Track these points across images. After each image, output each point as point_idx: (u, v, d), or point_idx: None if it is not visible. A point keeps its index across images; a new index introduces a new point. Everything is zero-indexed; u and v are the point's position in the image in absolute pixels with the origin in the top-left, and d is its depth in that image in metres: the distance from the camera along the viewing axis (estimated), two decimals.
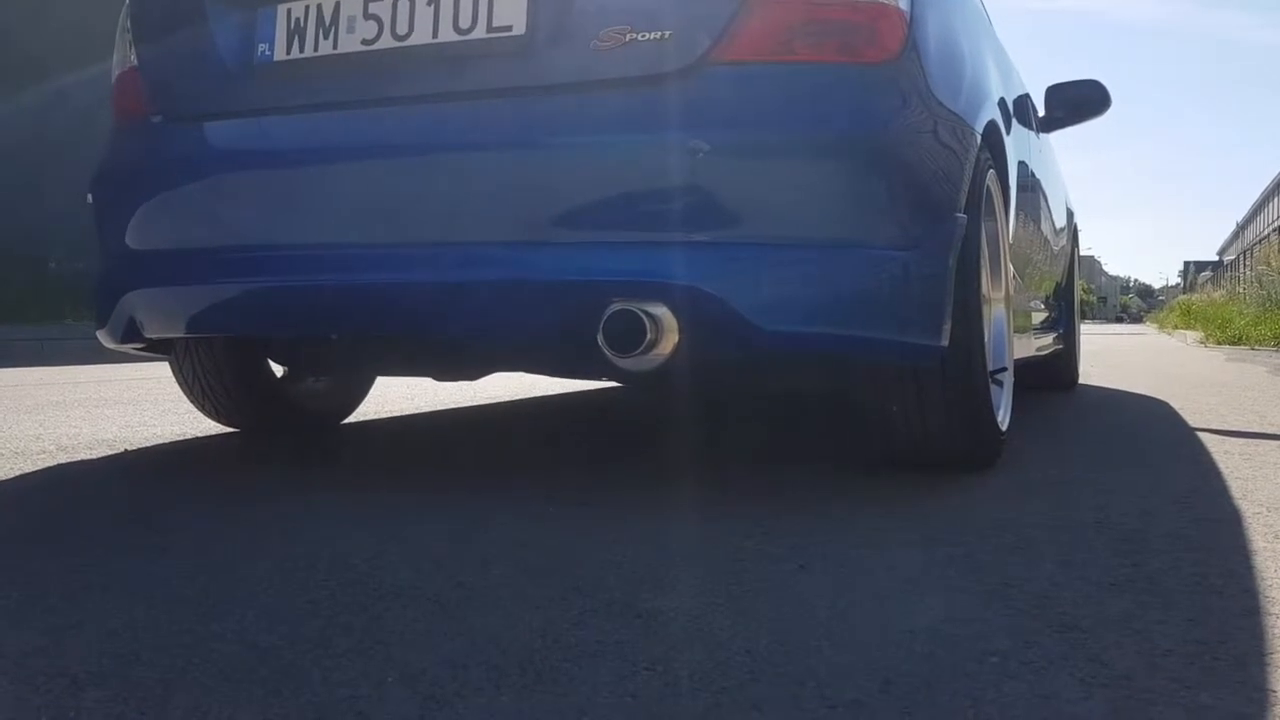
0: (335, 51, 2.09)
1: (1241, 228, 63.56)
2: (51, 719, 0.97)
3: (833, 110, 1.89)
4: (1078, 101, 3.95)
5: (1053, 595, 1.38)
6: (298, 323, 2.25)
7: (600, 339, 1.81)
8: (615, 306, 1.80)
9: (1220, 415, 3.75)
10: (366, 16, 2.06)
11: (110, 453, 2.61)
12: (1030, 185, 3.38)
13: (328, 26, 2.09)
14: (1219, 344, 12.50)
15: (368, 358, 2.75)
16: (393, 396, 3.86)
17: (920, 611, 1.32)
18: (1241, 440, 3.02)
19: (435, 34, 2.00)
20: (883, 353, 1.97)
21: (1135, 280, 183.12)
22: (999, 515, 1.91)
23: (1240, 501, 2.06)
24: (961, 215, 2.08)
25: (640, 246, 1.87)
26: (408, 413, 3.61)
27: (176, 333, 2.37)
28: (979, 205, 2.25)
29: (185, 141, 2.26)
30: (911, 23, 1.98)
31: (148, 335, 2.30)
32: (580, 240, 1.90)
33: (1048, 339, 4.03)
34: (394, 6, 2.03)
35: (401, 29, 2.03)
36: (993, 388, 2.35)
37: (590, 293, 1.84)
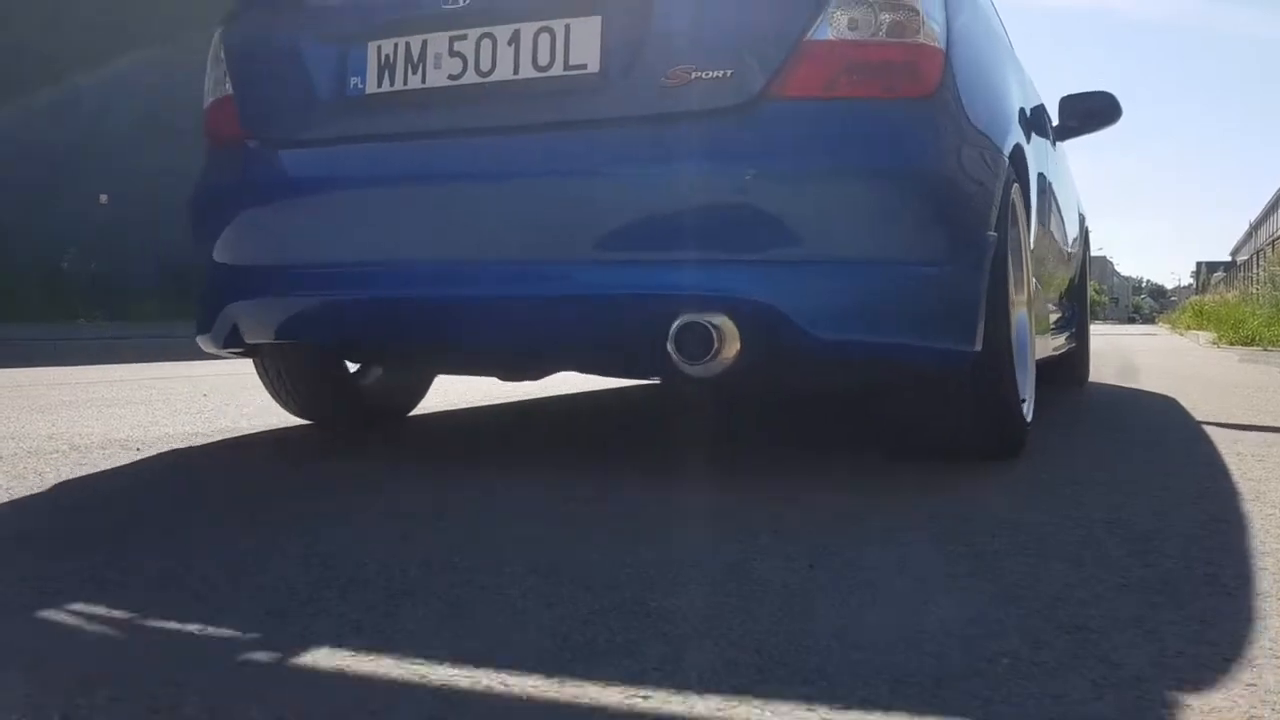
0: (423, 86, 2.26)
1: (1255, 228, 63.25)
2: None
3: (878, 141, 2.07)
4: (1090, 112, 4.15)
5: (1064, 595, 1.38)
6: (388, 333, 2.48)
7: (671, 348, 1.97)
8: (684, 319, 1.97)
9: (1232, 416, 3.74)
10: (452, 54, 2.24)
11: (124, 451, 2.62)
12: (1047, 193, 3.51)
13: (416, 63, 2.27)
14: (1232, 345, 12.44)
15: (443, 359, 2.93)
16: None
17: (931, 611, 1.31)
18: (1254, 442, 3.01)
19: (516, 71, 2.19)
20: (923, 357, 2.14)
21: (1148, 281, 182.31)
22: (1010, 514, 1.91)
23: (1252, 503, 2.05)
24: (993, 234, 2.26)
25: (704, 264, 2.04)
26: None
27: (274, 339, 2.54)
28: (1007, 221, 2.43)
29: (282, 165, 2.48)
30: (947, 58, 2.14)
31: (248, 341, 2.51)
32: (649, 259, 2.08)
33: (1061, 339, 4.14)
34: (477, 45, 2.21)
35: (485, 66, 2.21)
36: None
37: (659, 306, 2.01)
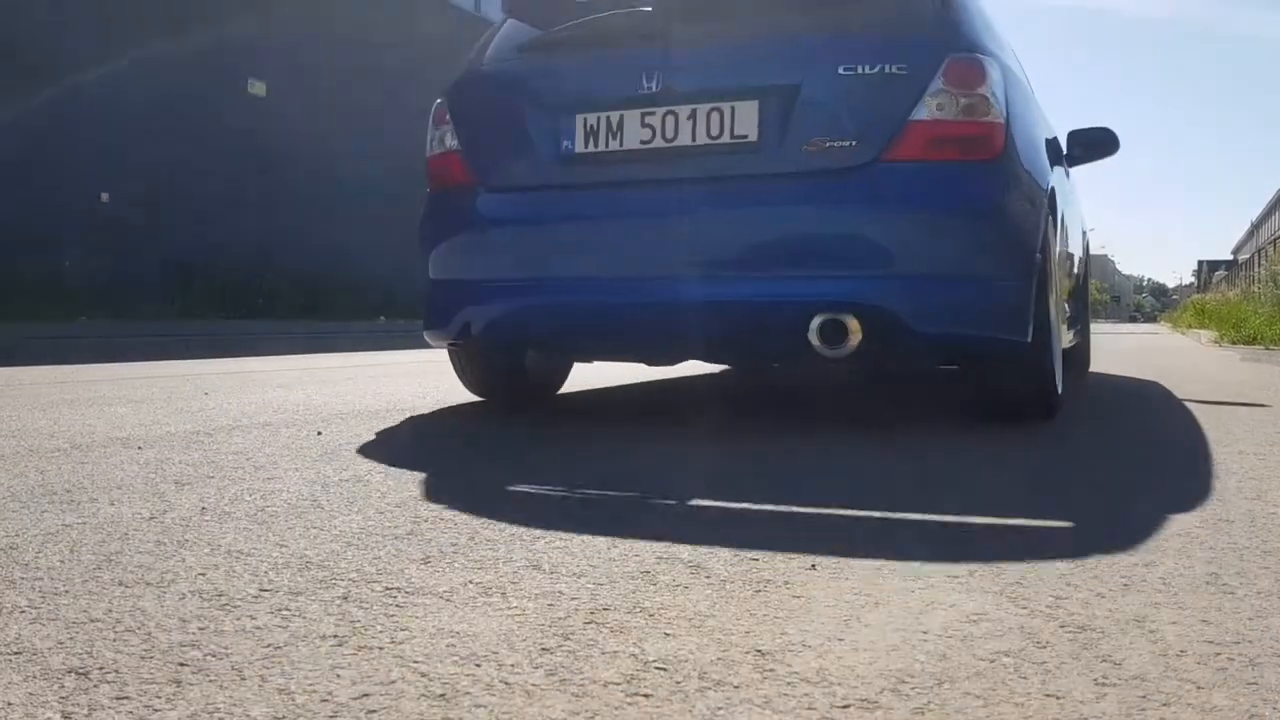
0: (621, 148, 3.02)
1: (1256, 226, 63.21)
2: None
3: (960, 192, 2.85)
4: (1093, 143, 4.86)
5: (1065, 595, 1.38)
6: (587, 330, 3.23)
7: (813, 338, 2.77)
8: (821, 317, 2.76)
9: (1235, 414, 3.74)
10: (643, 125, 3.00)
11: (126, 449, 2.62)
12: (1065, 217, 4.13)
13: (615, 131, 3.02)
14: (1233, 344, 12.42)
15: (615, 350, 3.65)
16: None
17: (933, 610, 1.31)
18: (1256, 441, 3.01)
19: (693, 139, 2.95)
20: (989, 346, 2.96)
21: (1149, 279, 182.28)
22: (1010, 515, 1.91)
23: (1254, 502, 2.05)
24: (1039, 255, 3.04)
25: (835, 278, 2.80)
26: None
27: (495, 335, 3.29)
28: (1047, 244, 3.23)
29: (504, 205, 3.22)
30: (1008, 130, 2.90)
31: (474, 335, 3.26)
32: (795, 274, 2.85)
33: (1069, 334, 4.70)
34: (663, 119, 2.98)
35: (669, 134, 2.97)
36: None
37: (800, 308, 2.80)
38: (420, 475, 2.28)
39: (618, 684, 1.06)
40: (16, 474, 2.27)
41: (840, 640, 1.20)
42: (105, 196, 13.56)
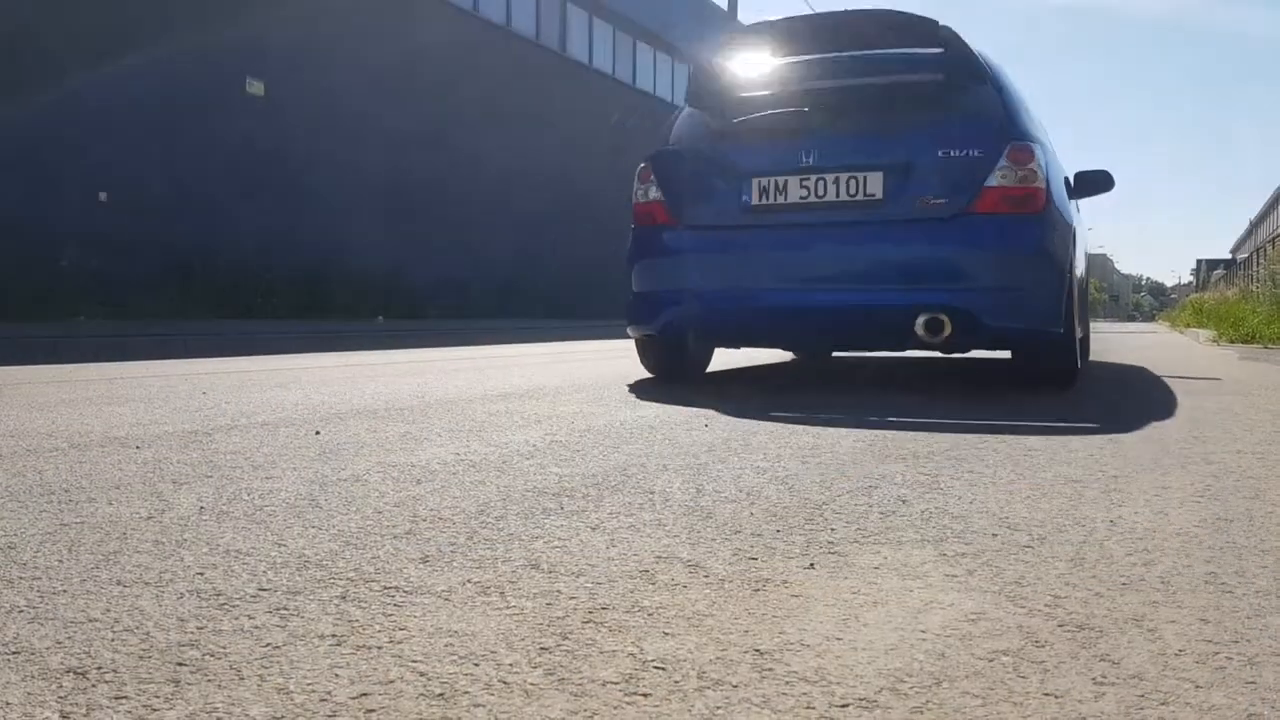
0: (784, 202, 4.40)
1: (1255, 225, 63.22)
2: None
3: (1018, 234, 4.18)
4: (1093, 182, 6.03)
5: (1064, 594, 1.38)
6: (760, 326, 4.64)
7: (920, 331, 4.09)
8: (925, 315, 4.08)
9: (1234, 414, 3.74)
10: (800, 186, 4.39)
11: (124, 448, 2.62)
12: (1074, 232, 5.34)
13: (780, 190, 4.42)
14: (1231, 343, 12.43)
15: (768, 338, 5.22)
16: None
17: (931, 610, 1.31)
18: (1254, 440, 3.01)
19: (837, 196, 4.33)
20: (1036, 335, 4.27)
21: (1148, 278, 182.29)
22: (1010, 514, 1.91)
23: (1252, 501, 2.05)
24: (1068, 274, 4.44)
25: (933, 289, 4.12)
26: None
27: (684, 329, 4.72)
28: (1073, 265, 4.67)
29: (696, 239, 4.60)
30: (1048, 190, 4.26)
31: (675, 330, 4.72)
32: (906, 287, 4.17)
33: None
34: (815, 183, 4.37)
35: (819, 193, 4.36)
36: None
37: (911, 310, 4.12)
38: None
39: (616, 683, 1.06)
40: (15, 473, 2.27)
41: (839, 639, 1.20)
42: (104, 196, 13.55)
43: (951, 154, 4.20)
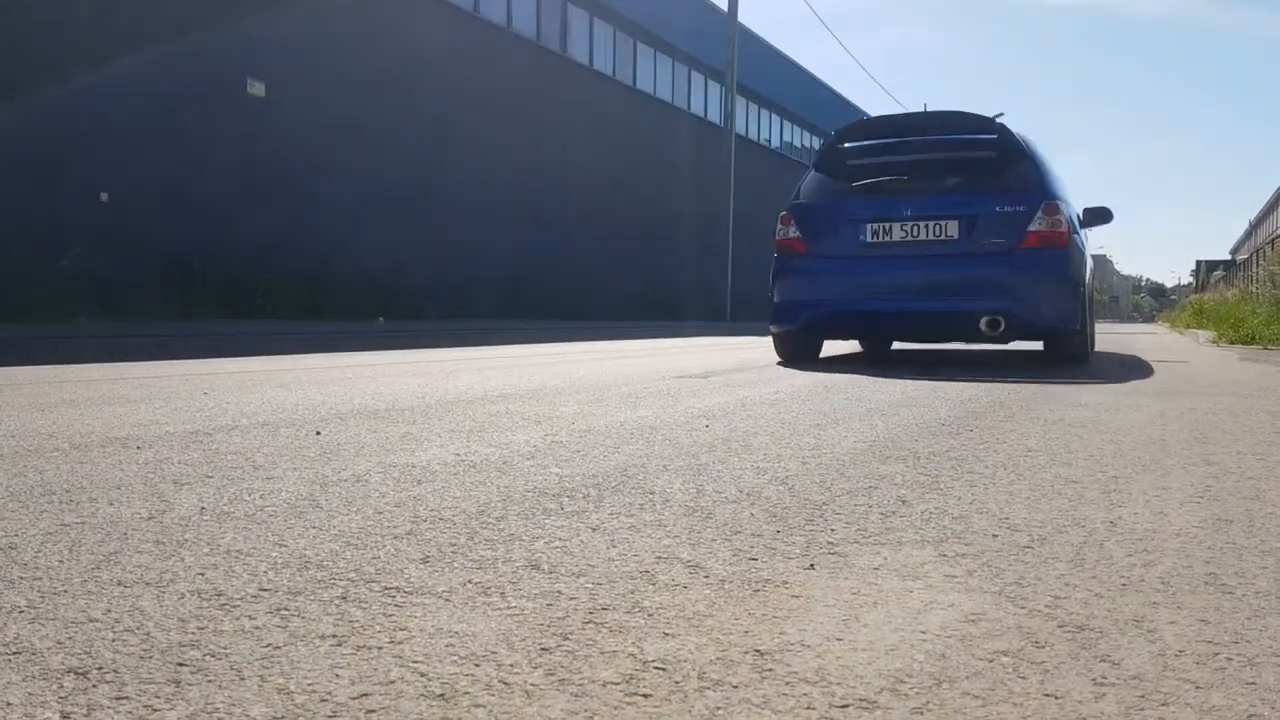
0: (890, 240, 6.48)
1: (1254, 226, 63.22)
2: None
3: (1051, 264, 6.26)
4: (1097, 215, 7.82)
5: (1064, 595, 1.38)
6: (873, 327, 7.02)
7: (982, 326, 6.20)
8: (987, 318, 6.18)
9: (1234, 415, 3.74)
10: (901, 229, 6.45)
11: (125, 449, 2.62)
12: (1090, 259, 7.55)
13: (887, 231, 6.47)
14: (1231, 344, 12.43)
15: (877, 333, 7.40)
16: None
17: (931, 610, 1.31)
18: (1254, 441, 3.01)
19: (928, 236, 6.41)
20: (1061, 330, 6.41)
21: (1148, 279, 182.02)
22: (1010, 515, 1.91)
23: (1252, 502, 2.05)
24: (1083, 287, 6.69)
25: (993, 300, 6.17)
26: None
27: (814, 327, 6.85)
28: (1089, 281, 7.25)
29: (825, 264, 6.67)
30: (1071, 230, 6.43)
31: (809, 328, 6.82)
32: (975, 298, 6.22)
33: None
34: (913, 226, 6.43)
35: (915, 234, 6.42)
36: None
37: (977, 314, 6.23)
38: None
39: (617, 684, 1.06)
40: (16, 474, 2.27)
41: (839, 640, 1.20)
42: (105, 197, 13.55)
43: (1004, 209, 6.28)
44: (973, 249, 6.22)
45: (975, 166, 6.65)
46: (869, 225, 6.50)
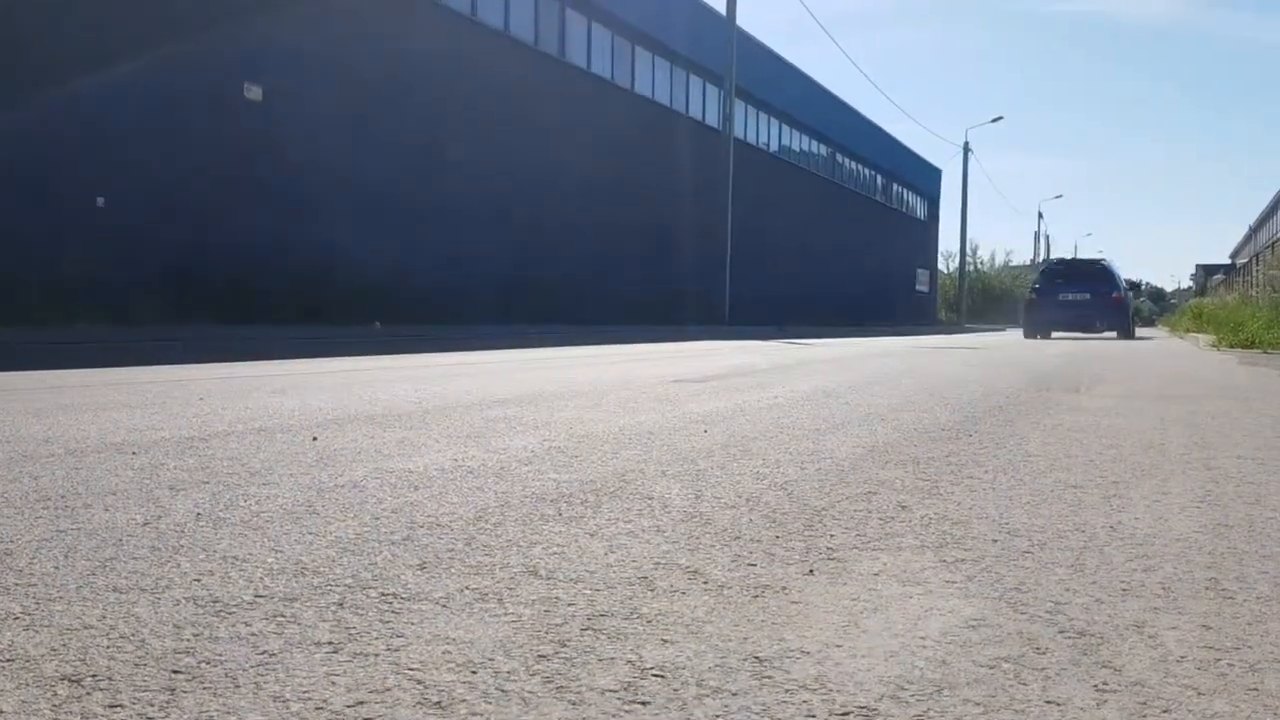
0: (1066, 299, 23.53)
1: (1254, 230, 63.32)
2: None
3: (1120, 309, 23.73)
4: (1132, 285, 27.38)
5: (1065, 600, 1.37)
6: (1061, 328, 23.82)
7: (1097, 326, 24.55)
8: (1100, 324, 24.13)
9: (1234, 419, 3.73)
10: (1070, 294, 23.57)
11: (120, 454, 2.61)
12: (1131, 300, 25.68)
13: (1066, 295, 23.36)
14: (1231, 347, 12.44)
15: (1068, 329, 23.74)
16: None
17: (931, 616, 1.31)
18: (1254, 445, 3.01)
19: (1078, 298, 23.51)
20: (1124, 328, 23.71)
21: (1147, 283, 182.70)
22: (1010, 520, 1.90)
23: (1253, 507, 2.05)
24: (1130, 311, 25.98)
25: (1105, 320, 23.62)
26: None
27: (1045, 330, 23.68)
28: (1131, 309, 26.75)
29: (1048, 306, 23.61)
30: (1125, 298, 24.43)
31: (1042, 332, 23.21)
32: (1101, 319, 24.02)
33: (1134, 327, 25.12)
34: (1075, 294, 23.69)
35: (1073, 296, 23.32)
36: None
37: (1095, 324, 24.47)
38: None
39: (615, 691, 1.06)
40: (11, 479, 2.26)
41: (839, 646, 1.19)
42: (101, 201, 13.54)
43: (1103, 290, 22.28)
44: (1101, 301, 21.77)
45: (1094, 275, 22.68)
46: (1060, 295, 21.88)
